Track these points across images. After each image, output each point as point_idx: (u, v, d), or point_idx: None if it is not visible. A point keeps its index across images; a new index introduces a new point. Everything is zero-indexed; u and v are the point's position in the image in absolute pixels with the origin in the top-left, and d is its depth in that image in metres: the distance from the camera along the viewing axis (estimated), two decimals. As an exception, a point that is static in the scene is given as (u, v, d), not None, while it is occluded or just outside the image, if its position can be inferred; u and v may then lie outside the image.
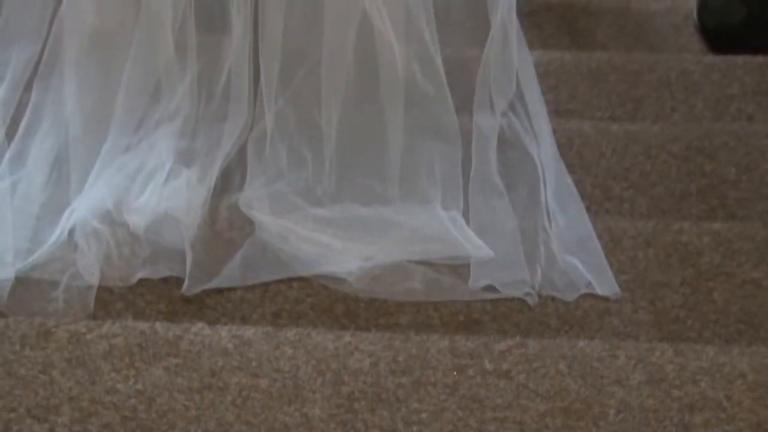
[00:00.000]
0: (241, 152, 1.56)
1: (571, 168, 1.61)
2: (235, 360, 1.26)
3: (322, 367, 1.26)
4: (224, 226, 1.51)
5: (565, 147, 1.63)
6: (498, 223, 1.54)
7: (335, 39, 1.56)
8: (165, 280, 1.43)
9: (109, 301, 1.41)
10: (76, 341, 1.27)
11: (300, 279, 1.45)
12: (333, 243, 1.52)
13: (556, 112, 1.83)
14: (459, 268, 1.50)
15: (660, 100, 1.88)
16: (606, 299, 1.45)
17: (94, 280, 1.44)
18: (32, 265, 1.47)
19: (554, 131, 1.64)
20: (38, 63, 1.61)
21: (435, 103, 1.58)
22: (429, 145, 1.59)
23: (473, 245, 1.52)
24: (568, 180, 1.58)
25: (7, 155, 1.56)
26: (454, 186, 1.57)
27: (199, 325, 1.31)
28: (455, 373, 1.26)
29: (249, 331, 1.30)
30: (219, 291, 1.42)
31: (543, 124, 1.60)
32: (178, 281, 1.43)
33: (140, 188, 1.53)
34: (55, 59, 1.59)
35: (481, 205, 1.56)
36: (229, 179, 1.57)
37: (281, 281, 1.44)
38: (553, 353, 1.28)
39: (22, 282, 1.45)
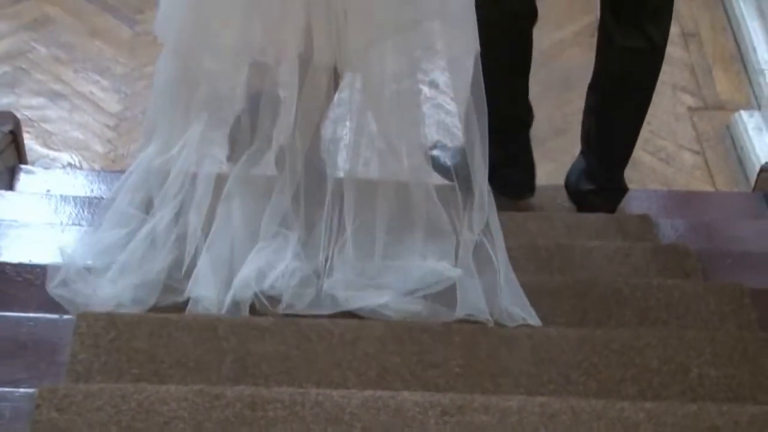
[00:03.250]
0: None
1: (540, 360, 1.62)
2: None
3: None
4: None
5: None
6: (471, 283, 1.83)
7: (385, 197, 1.89)
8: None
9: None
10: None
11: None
12: (371, 293, 1.81)
13: (527, 320, 1.84)
14: (449, 302, 1.78)
15: (600, 311, 1.87)
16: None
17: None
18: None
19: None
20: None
21: (440, 225, 1.89)
22: (434, 248, 1.88)
23: (453, 272, 1.82)
24: (512, 274, 1.85)
25: (204, 248, 1.83)
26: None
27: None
28: None
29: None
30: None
31: (499, 241, 1.87)
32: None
33: (272, 272, 1.81)
34: (230, 201, 1.88)
35: (463, 279, 1.82)
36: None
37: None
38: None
39: None
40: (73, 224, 2.14)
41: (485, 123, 1.86)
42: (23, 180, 2.37)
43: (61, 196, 2.26)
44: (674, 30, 3.13)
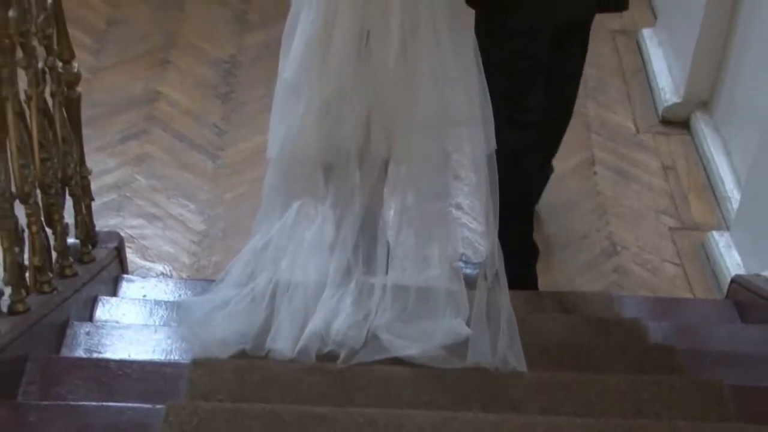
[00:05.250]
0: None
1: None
2: None
3: None
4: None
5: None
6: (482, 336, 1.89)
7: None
8: None
9: None
10: None
11: None
12: (406, 343, 1.88)
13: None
14: (462, 353, 1.85)
15: (603, 402, 1.81)
16: None
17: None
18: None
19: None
20: None
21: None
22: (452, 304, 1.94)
23: (467, 331, 1.87)
24: (513, 318, 1.90)
25: (286, 302, 1.93)
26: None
27: None
28: None
29: None
30: None
31: (505, 287, 1.92)
32: None
33: (335, 320, 1.89)
34: (307, 258, 2.01)
35: (475, 331, 1.88)
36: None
37: None
38: None
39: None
40: (164, 325, 2.12)
41: (497, 206, 1.93)
42: (124, 287, 2.37)
43: (155, 300, 2.25)
44: (655, 164, 3.14)
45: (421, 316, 1.96)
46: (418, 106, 1.90)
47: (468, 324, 1.91)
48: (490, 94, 1.94)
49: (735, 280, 2.55)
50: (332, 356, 1.87)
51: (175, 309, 2.10)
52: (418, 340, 1.89)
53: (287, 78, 1.92)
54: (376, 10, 1.84)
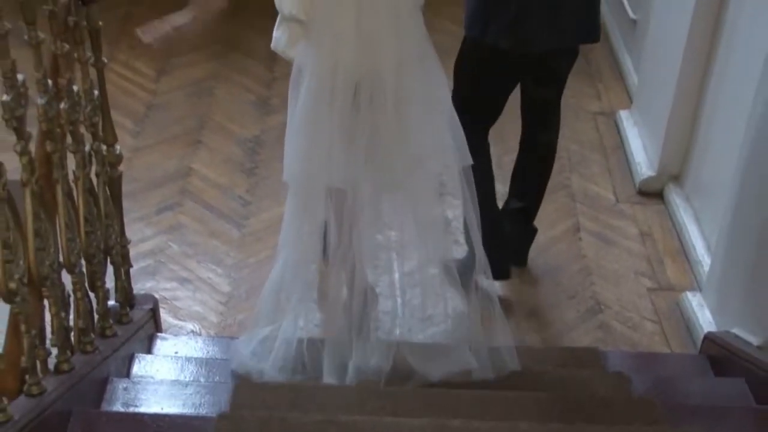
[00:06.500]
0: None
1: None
2: None
3: None
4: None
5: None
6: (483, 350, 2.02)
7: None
8: None
9: None
10: None
11: None
12: (427, 366, 2.00)
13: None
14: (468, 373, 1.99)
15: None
16: None
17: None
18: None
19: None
20: None
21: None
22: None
23: (472, 360, 2.00)
24: (506, 325, 2.04)
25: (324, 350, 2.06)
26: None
27: None
28: None
29: None
30: None
31: (495, 299, 2.04)
32: None
33: (371, 359, 1.99)
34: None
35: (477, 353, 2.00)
36: None
37: None
38: None
39: None
40: (194, 380, 2.10)
41: (477, 209, 2.00)
42: (158, 344, 2.35)
43: (185, 357, 2.23)
44: (634, 231, 3.14)
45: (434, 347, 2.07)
46: (409, 143, 1.95)
47: (470, 349, 2.02)
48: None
49: (707, 337, 2.52)
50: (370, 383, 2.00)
51: (227, 348, 2.22)
52: (435, 360, 2.04)
53: (296, 125, 1.97)
54: (373, 65, 1.89)
